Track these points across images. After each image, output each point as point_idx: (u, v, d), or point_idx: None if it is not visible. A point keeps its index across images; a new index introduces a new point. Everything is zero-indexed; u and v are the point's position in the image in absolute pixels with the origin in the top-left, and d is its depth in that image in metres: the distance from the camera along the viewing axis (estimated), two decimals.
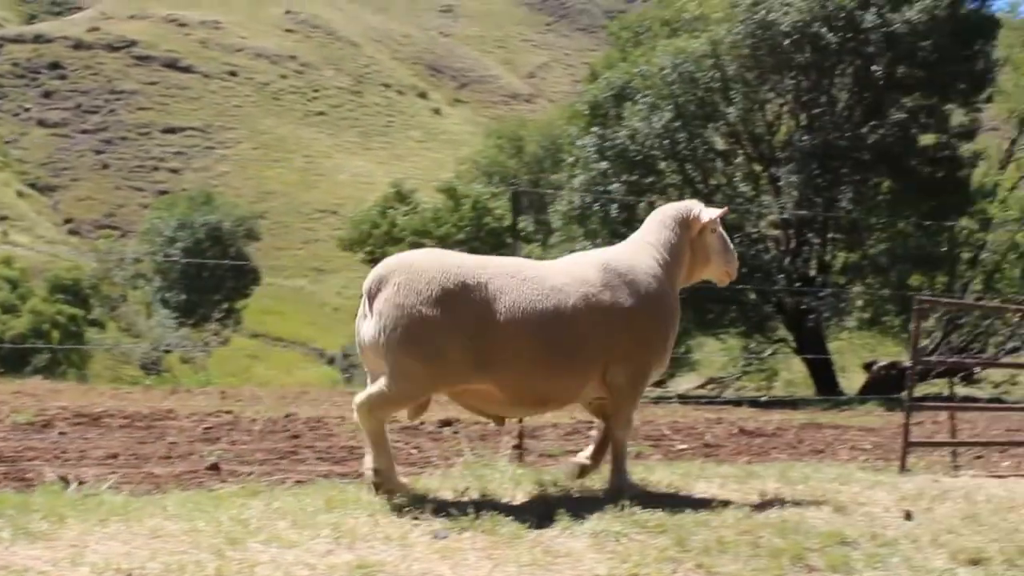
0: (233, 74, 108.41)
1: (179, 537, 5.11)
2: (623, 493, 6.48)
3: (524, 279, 6.51)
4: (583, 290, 6.64)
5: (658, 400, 31.99)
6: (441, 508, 6.00)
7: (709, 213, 7.41)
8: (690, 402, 29.58)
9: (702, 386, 44.86)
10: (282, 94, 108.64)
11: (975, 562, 5.57)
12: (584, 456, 7.33)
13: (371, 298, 6.39)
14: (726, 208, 7.66)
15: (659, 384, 46.85)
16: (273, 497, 6.27)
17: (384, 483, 6.27)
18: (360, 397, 6.34)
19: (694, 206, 7.60)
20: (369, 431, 6.40)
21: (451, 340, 6.21)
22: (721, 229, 7.52)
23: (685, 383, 47.45)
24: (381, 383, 6.28)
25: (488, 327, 6.30)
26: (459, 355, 6.23)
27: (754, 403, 22.39)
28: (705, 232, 7.40)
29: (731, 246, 7.63)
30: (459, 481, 6.81)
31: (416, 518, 5.75)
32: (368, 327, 6.39)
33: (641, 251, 7.20)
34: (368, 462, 6.47)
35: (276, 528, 5.38)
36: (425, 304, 6.19)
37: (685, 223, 7.36)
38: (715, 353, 43.03)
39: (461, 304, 6.26)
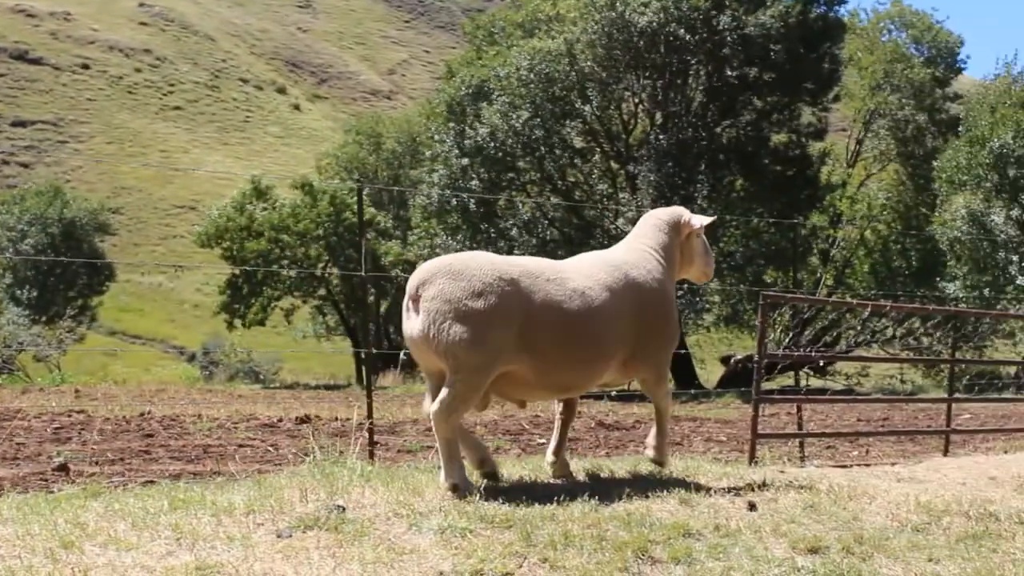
0: (86, 67, 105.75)
1: (12, 541, 4.95)
2: (664, 460, 8.00)
3: (548, 279, 7.19)
4: (600, 290, 7.34)
5: None
6: (288, 507, 5.95)
7: (699, 220, 8.18)
8: None
9: None
10: (137, 88, 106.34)
11: (814, 551, 5.70)
12: (552, 450, 7.89)
13: (415, 299, 6.94)
14: (714, 216, 8.67)
15: None
16: (114, 498, 6.14)
17: (463, 494, 6.53)
18: (434, 406, 6.81)
19: (684, 212, 8.29)
20: (444, 439, 6.84)
21: (493, 329, 6.80)
22: (701, 237, 8.29)
23: None
24: (447, 386, 6.80)
25: (524, 318, 6.93)
26: (500, 343, 6.83)
27: (615, 397, 22.55)
28: (692, 236, 8.18)
29: (710, 250, 8.47)
30: (307, 479, 6.75)
31: (260, 518, 5.68)
32: (417, 323, 6.90)
33: (642, 254, 7.88)
34: (443, 479, 6.77)
35: (115, 530, 5.26)
36: (470, 298, 6.79)
37: (676, 227, 8.13)
38: None
39: (500, 297, 6.88)
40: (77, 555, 4.77)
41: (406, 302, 7.02)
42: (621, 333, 7.39)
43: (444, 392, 6.79)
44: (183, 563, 4.68)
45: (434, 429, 6.88)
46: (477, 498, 6.29)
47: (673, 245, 8.07)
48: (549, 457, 7.84)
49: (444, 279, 6.88)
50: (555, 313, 7.05)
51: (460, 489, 6.59)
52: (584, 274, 7.41)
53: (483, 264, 7.02)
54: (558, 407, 8.00)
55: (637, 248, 7.95)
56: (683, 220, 8.16)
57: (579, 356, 7.19)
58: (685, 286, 30.76)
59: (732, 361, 35.57)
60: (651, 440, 8.07)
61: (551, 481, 7.27)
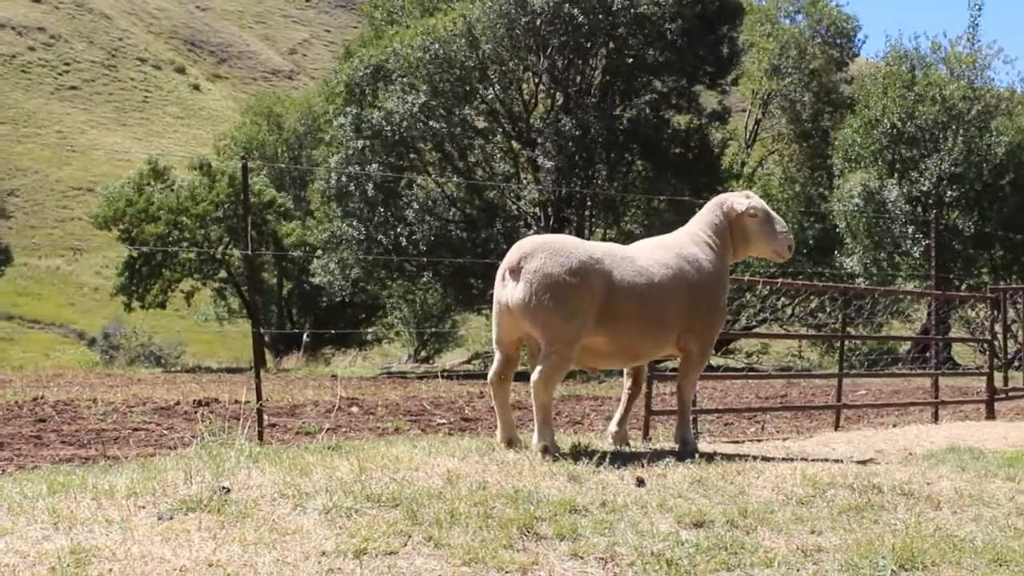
0: None
1: None
2: (688, 446, 8.53)
3: (623, 258, 8.11)
4: (659, 268, 8.20)
5: (423, 376, 32.17)
6: (171, 489, 5.87)
7: (740, 204, 8.76)
8: (454, 377, 29.83)
9: (468, 361, 45.28)
10: (31, 67, 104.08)
11: (699, 524, 5.74)
12: (616, 421, 8.88)
13: (516, 270, 7.73)
14: (748, 202, 8.83)
15: (425, 360, 47.17)
16: None
17: (550, 455, 7.53)
18: (535, 375, 7.70)
19: (730, 197, 8.95)
20: (541, 405, 7.72)
21: (584, 303, 7.69)
22: (767, 215, 8.85)
23: (451, 359, 47.79)
24: (543, 357, 7.69)
25: (607, 293, 7.80)
26: (588, 316, 7.73)
27: (519, 377, 22.61)
28: (743, 218, 8.76)
29: (779, 228, 8.89)
30: (194, 461, 6.66)
31: (142, 501, 5.61)
32: (517, 292, 7.69)
33: (697, 239, 8.66)
34: (535, 441, 7.75)
35: None
36: (568, 274, 7.62)
37: (723, 211, 8.82)
38: (480, 328, 43.42)
39: (591, 275, 7.73)
40: None
41: (503, 272, 7.84)
42: (676, 308, 8.23)
43: (541, 363, 7.68)
44: (58, 547, 4.59)
45: (533, 396, 7.77)
46: (209, 477, 6.26)
47: (724, 229, 8.78)
48: (612, 427, 8.83)
49: (545, 255, 7.70)
50: (629, 289, 7.93)
51: (550, 451, 7.58)
52: (646, 255, 8.31)
53: (577, 245, 7.94)
54: (626, 382, 8.88)
55: (691, 232, 8.77)
56: (727, 205, 8.84)
57: (647, 328, 8.11)
58: None
59: None
60: (676, 432, 8.83)
61: (443, 462, 7.24)
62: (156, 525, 5.13)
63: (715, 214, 8.83)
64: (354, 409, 16.88)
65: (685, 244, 8.61)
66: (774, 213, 8.98)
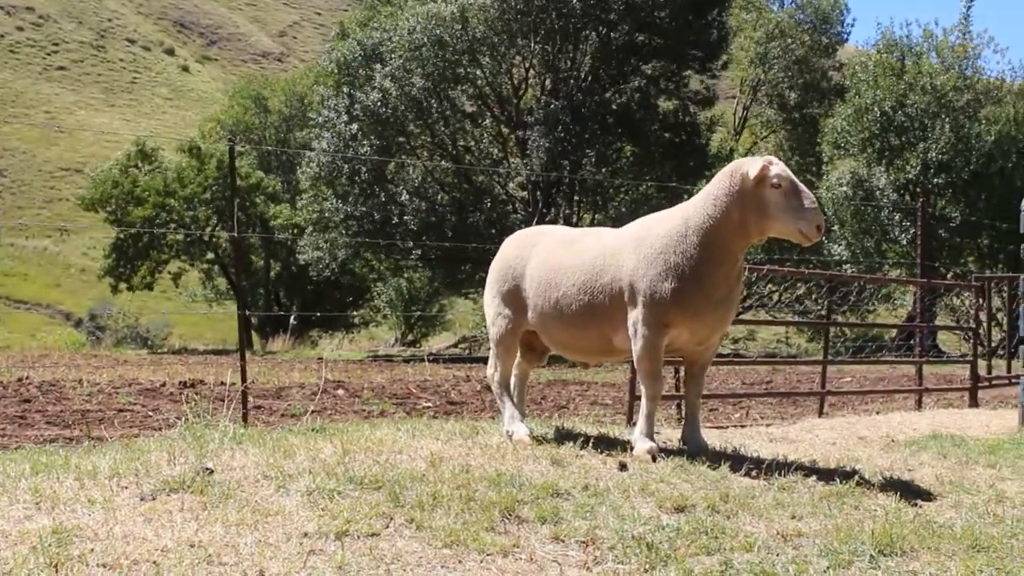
0: None
1: None
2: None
3: None
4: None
5: (409, 360, 32.20)
6: (154, 469, 5.88)
7: (755, 169, 7.06)
8: (440, 361, 29.86)
9: (454, 345, 45.34)
10: (19, 47, 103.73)
11: (680, 509, 5.77)
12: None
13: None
14: (772, 168, 7.11)
15: (412, 344, 47.21)
16: None
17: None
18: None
19: (745, 163, 7.27)
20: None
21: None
22: (792, 186, 7.06)
23: (438, 342, 47.83)
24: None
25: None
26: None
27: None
28: (762, 187, 7.06)
29: (807, 203, 7.06)
30: (177, 442, 6.67)
31: (125, 481, 5.62)
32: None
33: (677, 211, 7.53)
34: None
35: None
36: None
37: (732, 177, 7.19)
38: (468, 312, 43.45)
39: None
40: None
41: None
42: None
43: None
44: (40, 526, 4.61)
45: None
46: (192, 458, 6.29)
47: (725, 196, 7.18)
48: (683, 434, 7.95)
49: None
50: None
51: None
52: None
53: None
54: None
55: (681, 207, 7.57)
56: (740, 171, 7.21)
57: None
58: None
59: None
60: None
61: (427, 444, 7.26)
62: (138, 505, 5.14)
63: (718, 182, 7.32)
64: (340, 392, 16.89)
65: (645, 223, 7.60)
66: (801, 184, 7.18)
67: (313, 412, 12.13)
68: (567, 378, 21.91)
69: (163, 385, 16.78)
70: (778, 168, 7.08)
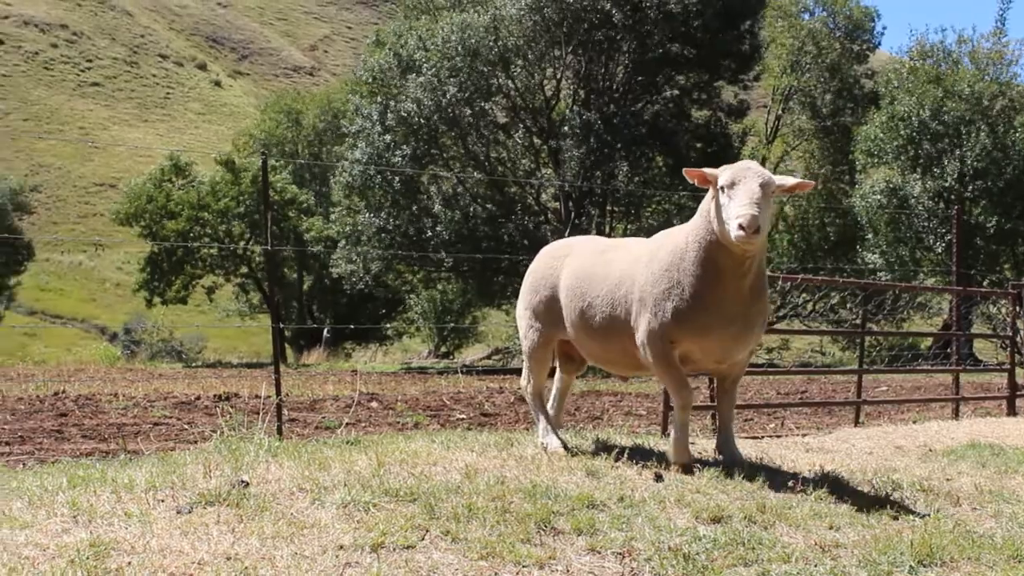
0: (0, 42, 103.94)
1: None
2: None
3: None
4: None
5: (443, 371, 32.22)
6: (190, 483, 5.89)
7: (713, 172, 6.82)
8: (474, 372, 29.86)
9: (487, 357, 45.33)
10: (53, 64, 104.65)
11: (717, 520, 5.74)
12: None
13: None
14: (699, 171, 6.87)
15: (445, 356, 47.23)
16: (11, 477, 6.06)
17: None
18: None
19: (723, 168, 6.86)
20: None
21: None
22: (737, 187, 6.55)
23: (471, 354, 47.84)
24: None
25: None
26: None
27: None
28: (717, 193, 6.74)
29: (734, 209, 6.47)
30: (213, 455, 6.69)
31: (161, 494, 5.63)
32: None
33: (687, 226, 7.16)
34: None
35: (10, 509, 5.18)
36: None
37: (711, 189, 6.86)
38: (500, 324, 43.42)
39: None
40: None
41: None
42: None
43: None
44: (78, 540, 4.62)
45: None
46: (228, 471, 6.27)
47: (709, 202, 6.91)
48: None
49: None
50: None
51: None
52: None
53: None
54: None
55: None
56: (710, 174, 6.86)
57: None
58: None
59: None
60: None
61: (462, 456, 7.24)
62: (175, 519, 5.15)
63: (707, 196, 6.97)
64: (374, 404, 16.91)
65: (661, 237, 7.41)
66: (749, 185, 6.56)
67: (347, 425, 12.16)
68: (601, 389, 21.86)
69: (198, 398, 16.85)
70: (731, 171, 6.69)
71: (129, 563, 4.37)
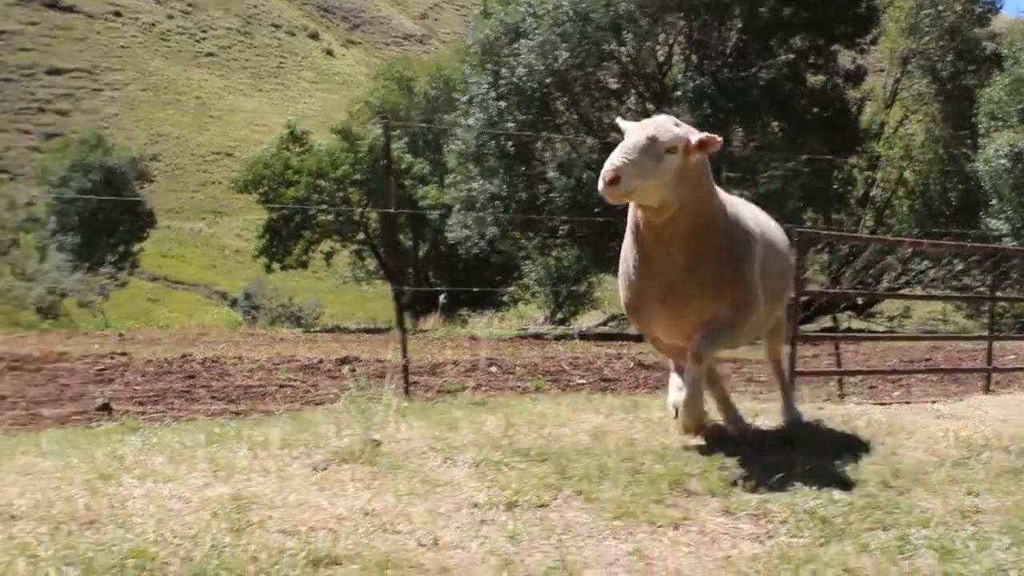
0: (118, 14, 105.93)
1: (51, 474, 5.01)
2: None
3: None
4: None
5: (560, 337, 32.24)
6: (323, 441, 5.97)
7: (623, 124, 6.35)
8: (591, 338, 29.84)
9: (604, 323, 45.24)
10: (170, 35, 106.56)
11: (850, 484, 5.67)
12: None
13: None
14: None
15: (561, 322, 47.25)
16: (152, 433, 6.19)
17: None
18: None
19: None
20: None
21: None
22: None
23: (587, 320, 47.79)
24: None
25: None
26: None
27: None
28: None
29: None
30: (343, 415, 6.77)
31: (296, 452, 5.72)
32: None
33: None
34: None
35: (152, 463, 5.30)
36: None
37: None
38: (616, 290, 43.29)
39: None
40: (115, 486, 4.80)
41: None
42: None
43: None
44: (219, 494, 4.71)
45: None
46: (359, 431, 6.27)
47: None
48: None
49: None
50: None
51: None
52: None
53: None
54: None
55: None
56: None
57: None
58: None
59: None
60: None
61: (588, 418, 7.24)
62: (311, 475, 5.23)
63: None
64: (493, 369, 16.97)
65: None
66: (631, 131, 6.15)
67: (470, 388, 12.24)
68: (721, 355, 21.67)
69: (320, 362, 17.04)
70: (632, 124, 6.24)
71: (270, 516, 4.44)
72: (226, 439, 5.97)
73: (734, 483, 5.48)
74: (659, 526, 4.77)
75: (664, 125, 6.10)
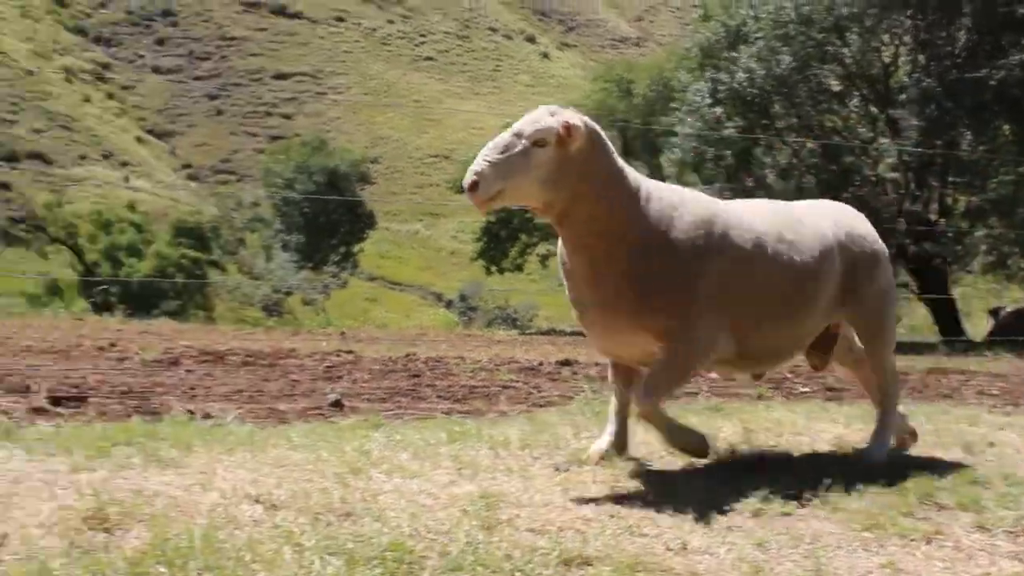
0: (340, 20, 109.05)
1: (304, 466, 5.17)
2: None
3: None
4: None
5: None
6: (562, 442, 6.02)
7: None
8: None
9: None
10: (390, 39, 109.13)
11: None
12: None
13: None
14: None
15: None
16: (394, 430, 6.33)
17: None
18: None
19: None
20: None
21: None
22: None
23: None
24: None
25: None
26: None
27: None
28: None
29: None
30: (577, 417, 6.81)
31: (536, 452, 5.78)
32: None
33: None
34: None
35: (398, 459, 5.42)
36: None
37: None
38: None
39: None
40: (365, 481, 4.93)
41: None
42: None
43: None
44: (466, 491, 4.79)
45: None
46: (596, 433, 6.15)
47: None
48: None
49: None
50: None
51: None
52: None
53: None
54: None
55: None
56: None
57: None
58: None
59: (1003, 313, 34.19)
60: None
61: (826, 428, 7.11)
62: (553, 475, 5.27)
63: None
64: (714, 374, 16.80)
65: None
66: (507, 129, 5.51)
67: (697, 394, 12.14)
68: (947, 366, 21.03)
69: (540, 364, 17.12)
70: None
71: (518, 515, 4.49)
72: (467, 437, 6.07)
73: (986, 498, 5.30)
74: (911, 540, 4.65)
75: (534, 117, 5.45)
